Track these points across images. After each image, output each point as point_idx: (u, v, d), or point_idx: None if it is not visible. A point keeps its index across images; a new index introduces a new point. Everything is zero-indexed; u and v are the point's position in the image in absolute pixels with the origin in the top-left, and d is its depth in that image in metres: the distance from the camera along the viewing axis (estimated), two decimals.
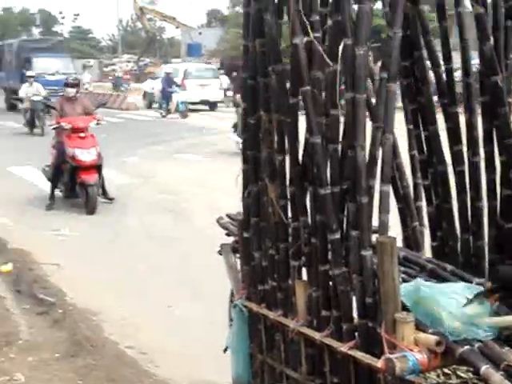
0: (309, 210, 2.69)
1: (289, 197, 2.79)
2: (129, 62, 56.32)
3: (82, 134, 10.42)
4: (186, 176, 13.20)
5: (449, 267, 2.68)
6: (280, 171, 2.82)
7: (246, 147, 3.03)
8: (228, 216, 3.55)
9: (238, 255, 3.32)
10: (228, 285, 3.47)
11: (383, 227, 2.35)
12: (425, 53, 3.08)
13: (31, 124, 21.81)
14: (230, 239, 3.50)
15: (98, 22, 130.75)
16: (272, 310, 2.98)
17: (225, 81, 32.17)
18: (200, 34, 54.52)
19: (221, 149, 16.34)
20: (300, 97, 2.60)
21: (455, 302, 2.22)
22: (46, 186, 11.01)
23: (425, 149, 3.16)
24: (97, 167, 10.33)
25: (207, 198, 10.45)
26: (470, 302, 2.24)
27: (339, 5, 2.44)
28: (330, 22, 2.56)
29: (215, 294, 3.51)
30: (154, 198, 11.24)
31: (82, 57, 68.19)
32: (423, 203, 3.28)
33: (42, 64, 29.46)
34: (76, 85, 11.16)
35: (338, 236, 2.49)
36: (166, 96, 27.20)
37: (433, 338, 2.18)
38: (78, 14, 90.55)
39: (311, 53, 2.54)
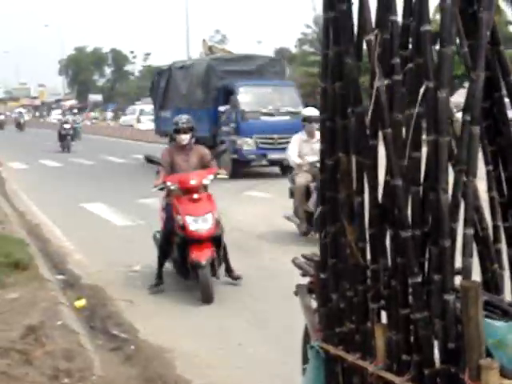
0: (388, 253, 2.68)
1: (368, 239, 2.78)
2: None
3: (194, 196, 7.83)
4: (257, 213, 13.25)
5: None
6: (358, 213, 2.81)
7: (324, 188, 3.04)
8: (303, 256, 3.55)
9: (313, 296, 3.31)
10: (300, 326, 3.45)
11: (467, 271, 2.32)
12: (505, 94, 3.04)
13: None
14: (305, 279, 3.50)
15: (168, 61, 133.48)
16: (350, 352, 2.95)
17: None
18: None
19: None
20: (380, 139, 2.61)
21: None
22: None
23: (505, 191, 3.11)
24: (214, 239, 7.80)
25: (272, 236, 10.45)
26: None
27: (421, 47, 2.44)
28: (410, 64, 2.56)
29: (287, 334, 3.50)
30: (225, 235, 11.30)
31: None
32: (503, 246, 3.22)
33: (252, 97, 18.80)
34: (190, 129, 8.19)
35: (419, 279, 2.47)
36: None
37: None
38: (149, 53, 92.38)
39: (392, 95, 2.54)
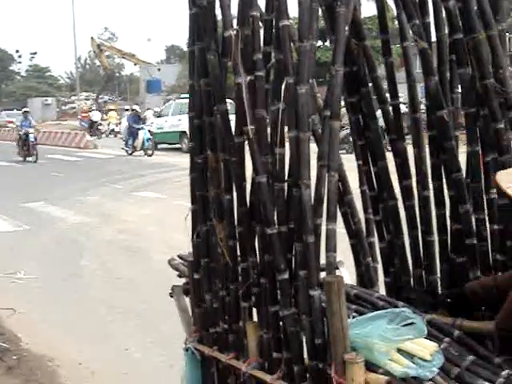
0: (257, 250, 2.65)
1: (237, 237, 2.75)
2: (87, 99, 56.15)
3: None
4: (145, 214, 13.09)
5: (401, 304, 2.65)
6: (228, 211, 2.77)
7: (194, 187, 2.98)
8: (179, 257, 3.49)
9: (189, 297, 3.26)
10: None
11: (330, 266, 2.32)
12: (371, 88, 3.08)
13: None
14: (183, 280, 3.44)
15: (55, 60, 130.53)
16: (224, 352, 2.91)
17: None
18: (159, 70, 54.57)
19: (181, 185, 16.29)
20: (245, 136, 2.57)
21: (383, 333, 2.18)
22: None
23: (375, 184, 3.15)
24: None
25: (165, 237, 10.34)
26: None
27: (280, 43, 2.42)
28: (272, 60, 2.55)
29: (174, 336, 3.44)
30: (112, 237, 11.10)
31: (40, 95, 67.89)
32: (375, 239, 3.26)
33: None
34: None
35: (286, 276, 2.44)
36: (133, 133, 26.99)
37: (383, 379, 2.13)
38: (35, 53, 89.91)
39: (254, 91, 2.51)
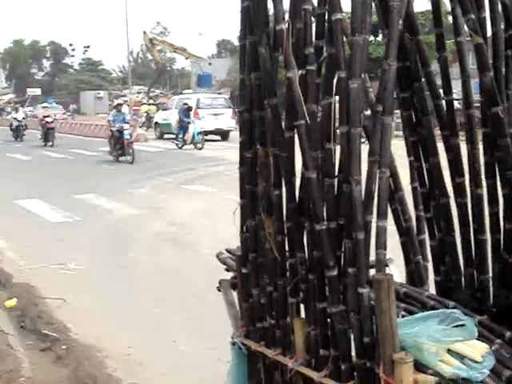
0: (306, 246, 2.63)
1: (286, 232, 2.73)
2: (139, 93, 56.67)
3: None
4: (194, 207, 13.17)
5: (451, 304, 2.60)
6: (277, 206, 2.76)
7: (243, 181, 2.98)
8: (227, 251, 3.49)
9: (237, 291, 3.25)
10: None
11: (380, 264, 2.28)
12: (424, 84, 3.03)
13: None
14: (230, 275, 3.43)
15: (108, 54, 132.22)
16: (271, 348, 2.90)
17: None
18: (210, 64, 54.84)
19: (230, 179, 16.34)
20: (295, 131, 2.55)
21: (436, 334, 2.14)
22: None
23: (426, 181, 3.10)
24: None
25: (214, 230, 10.38)
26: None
27: (332, 37, 2.39)
28: (325, 54, 2.52)
29: (222, 329, 3.44)
30: (161, 230, 11.19)
31: (92, 88, 68.83)
32: (426, 237, 3.21)
33: None
34: None
35: (334, 273, 2.42)
36: (183, 127, 27.28)
37: (432, 380, 2.10)
38: (88, 46, 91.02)
39: (306, 86, 2.49)
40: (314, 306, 2.55)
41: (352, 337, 2.41)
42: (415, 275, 3.19)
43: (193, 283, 7.79)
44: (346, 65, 2.38)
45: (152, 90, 58.18)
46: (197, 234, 10.68)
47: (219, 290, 3.37)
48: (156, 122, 34.82)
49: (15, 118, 35.47)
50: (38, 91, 74.40)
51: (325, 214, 2.47)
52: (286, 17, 2.58)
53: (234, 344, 3.15)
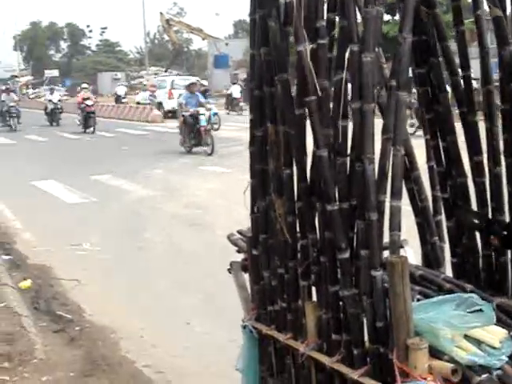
0: (318, 227, 2.54)
1: (297, 213, 2.64)
2: (156, 74, 56.56)
3: None
4: (210, 188, 13.10)
5: (468, 287, 2.51)
6: (288, 186, 2.66)
7: (254, 160, 2.88)
8: (239, 232, 3.40)
9: (248, 273, 3.17)
10: None
11: (394, 245, 2.19)
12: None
13: None
14: (241, 256, 3.35)
15: (125, 35, 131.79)
16: (282, 332, 2.82)
17: (236, 90, 35.44)
18: (227, 44, 54.61)
19: (246, 160, 16.21)
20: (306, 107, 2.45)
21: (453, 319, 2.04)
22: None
23: (443, 160, 2.99)
24: None
25: (230, 211, 10.30)
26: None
27: (344, 9, 2.29)
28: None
29: (237, 310, 3.38)
30: (177, 211, 11.14)
31: (109, 70, 68.85)
32: (443, 217, 3.11)
33: None
34: None
35: (347, 255, 2.33)
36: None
37: (448, 366, 2.01)
38: (105, 28, 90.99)
39: (317, 60, 2.39)
40: (325, 289, 2.45)
41: (365, 321, 2.32)
42: (431, 257, 3.10)
43: (208, 264, 7.73)
44: (359, 38, 2.28)
45: (169, 71, 58.04)
46: (213, 214, 10.62)
47: (230, 272, 3.30)
48: (160, 102, 35.67)
49: (50, 101, 32.62)
50: (55, 73, 74.54)
51: (337, 194, 2.37)
52: None
53: (244, 327, 3.07)
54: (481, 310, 2.07)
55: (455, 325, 2.04)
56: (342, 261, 2.33)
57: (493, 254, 2.85)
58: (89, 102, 28.12)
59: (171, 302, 6.76)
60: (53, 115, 32.34)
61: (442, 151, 2.97)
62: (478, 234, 2.92)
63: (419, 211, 3.11)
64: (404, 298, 2.04)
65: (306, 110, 2.45)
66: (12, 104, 30.20)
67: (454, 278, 2.96)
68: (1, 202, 12.34)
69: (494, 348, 2.06)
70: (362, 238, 2.27)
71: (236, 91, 36.12)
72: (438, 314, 2.06)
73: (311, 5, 2.40)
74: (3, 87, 34.49)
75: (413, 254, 3.38)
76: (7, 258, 8.64)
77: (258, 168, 2.84)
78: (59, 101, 33.12)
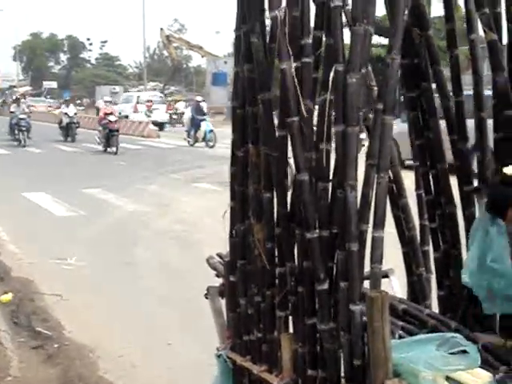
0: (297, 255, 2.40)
1: (276, 239, 2.50)
2: (154, 89, 56.56)
3: None
4: (202, 206, 12.95)
5: (453, 324, 2.38)
6: (267, 210, 2.53)
7: (234, 182, 2.75)
8: (218, 255, 3.27)
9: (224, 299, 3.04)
10: None
11: (375, 279, 2.05)
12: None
13: None
14: (220, 281, 3.22)
15: (125, 49, 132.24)
16: (257, 363, 2.67)
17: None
18: (225, 63, 54.57)
19: None
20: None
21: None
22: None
23: (432, 188, 2.87)
24: None
25: (220, 230, 10.11)
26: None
27: (331, 26, 2.17)
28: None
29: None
30: (167, 227, 10.99)
31: (108, 83, 68.84)
32: (430, 248, 2.99)
33: None
34: None
35: (325, 286, 2.19)
36: (196, 124, 27.26)
37: None
38: (105, 41, 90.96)
39: (302, 80, 2.26)
40: (302, 322, 2.32)
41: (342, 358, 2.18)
42: (417, 288, 2.98)
43: (194, 283, 7.55)
44: (345, 58, 2.16)
45: (167, 86, 58.05)
46: (203, 232, 10.46)
47: (206, 298, 3.16)
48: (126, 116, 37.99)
49: (66, 114, 29.23)
50: (54, 84, 74.51)
51: (317, 222, 2.24)
52: (284, 4, 2.36)
53: (219, 356, 2.93)
54: (465, 352, 1.93)
55: (437, 367, 1.90)
56: (319, 292, 2.19)
57: None
58: (112, 118, 24.84)
59: (154, 320, 6.59)
60: (68, 130, 29.21)
61: (431, 179, 2.86)
62: None
63: (406, 240, 2.99)
64: (383, 336, 1.91)
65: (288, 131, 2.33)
66: (22, 116, 27.14)
67: (440, 312, 2.84)
68: None
69: None
70: (341, 269, 2.13)
71: None
72: (419, 353, 1.93)
73: (296, 21, 2.28)
74: (13, 97, 32.86)
75: (398, 284, 3.26)
76: None
77: (238, 190, 2.71)
78: (75, 114, 30.13)
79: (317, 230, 2.21)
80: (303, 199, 2.22)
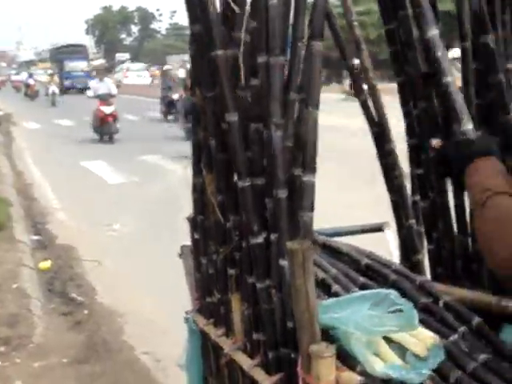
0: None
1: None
2: None
3: None
4: None
5: (419, 279, 2.09)
6: (215, 159, 2.27)
7: (192, 132, 2.51)
8: None
9: None
10: None
11: (305, 229, 1.79)
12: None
13: None
14: None
15: None
16: (217, 326, 2.45)
17: None
18: None
19: None
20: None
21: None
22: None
23: (417, 131, 2.57)
24: None
25: None
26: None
27: None
28: None
29: None
30: None
31: (178, 53, 69.12)
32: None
33: None
34: None
35: (260, 240, 1.93)
36: None
37: (357, 379, 1.61)
38: (175, 11, 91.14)
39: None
40: (244, 280, 2.08)
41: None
42: (408, 242, 2.70)
43: None
44: None
45: None
46: None
47: (180, 257, 2.95)
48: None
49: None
50: (126, 56, 75.34)
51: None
52: None
53: (187, 320, 2.72)
54: (400, 311, 1.66)
55: (368, 328, 1.64)
56: (253, 246, 1.94)
57: (469, 240, 2.42)
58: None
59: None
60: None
61: (414, 120, 2.56)
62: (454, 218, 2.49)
63: (394, 190, 2.72)
64: (306, 295, 1.64)
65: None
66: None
67: (431, 267, 2.57)
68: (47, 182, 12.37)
69: (419, 357, 1.65)
70: (271, 220, 1.88)
71: None
72: (351, 313, 1.67)
73: None
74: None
75: (394, 238, 2.99)
76: (36, 238, 8.53)
77: (193, 139, 2.47)
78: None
79: (249, 178, 1.95)
80: (233, 143, 1.96)
